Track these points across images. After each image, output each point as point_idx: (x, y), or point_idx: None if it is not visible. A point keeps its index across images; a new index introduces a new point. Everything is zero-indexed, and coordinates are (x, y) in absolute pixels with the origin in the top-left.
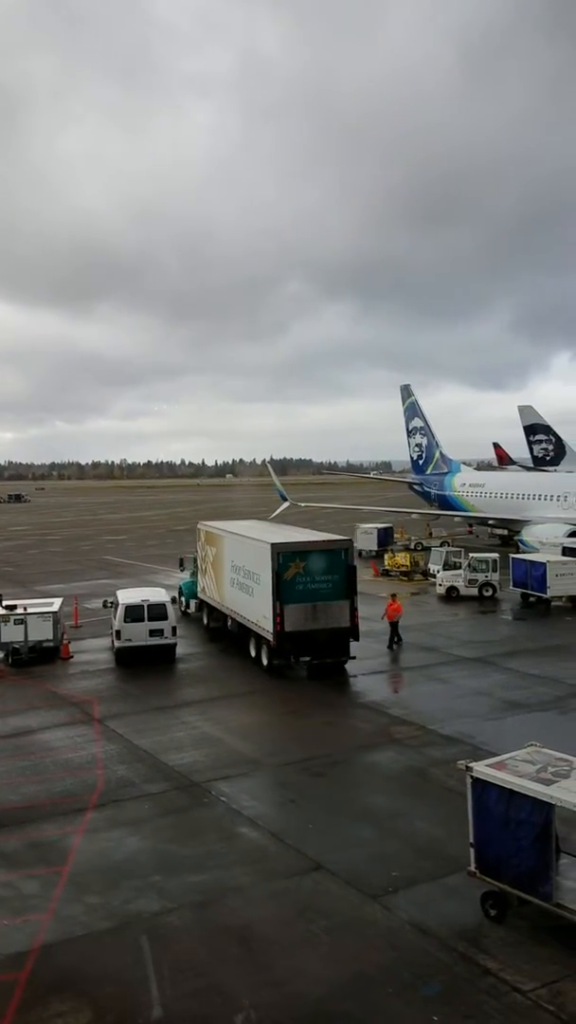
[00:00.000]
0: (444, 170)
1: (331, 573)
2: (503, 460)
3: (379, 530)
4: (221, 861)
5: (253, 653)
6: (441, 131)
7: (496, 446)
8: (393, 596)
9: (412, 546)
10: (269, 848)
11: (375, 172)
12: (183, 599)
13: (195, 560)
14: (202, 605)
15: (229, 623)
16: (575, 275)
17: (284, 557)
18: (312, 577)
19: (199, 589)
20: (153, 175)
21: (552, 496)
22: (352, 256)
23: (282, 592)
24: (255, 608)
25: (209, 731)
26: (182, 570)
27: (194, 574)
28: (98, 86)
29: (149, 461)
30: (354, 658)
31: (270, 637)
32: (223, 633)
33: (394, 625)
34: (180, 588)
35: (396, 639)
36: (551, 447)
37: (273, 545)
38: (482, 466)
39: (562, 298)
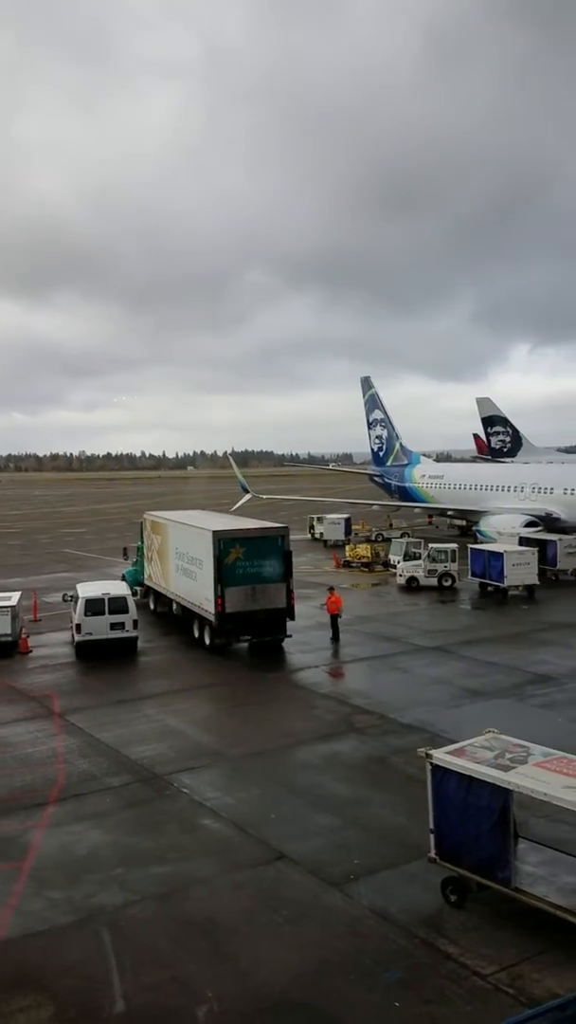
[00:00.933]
0: (410, 161)
1: (269, 558)
2: (482, 451)
3: (346, 520)
4: (183, 853)
5: (196, 634)
6: (407, 122)
7: (476, 437)
8: (331, 589)
9: (373, 537)
10: (232, 839)
11: (340, 162)
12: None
13: (139, 549)
14: (148, 592)
15: (174, 607)
16: (535, 268)
17: (225, 543)
18: (251, 562)
19: (145, 576)
20: (114, 161)
21: (509, 487)
22: (316, 246)
23: (223, 576)
24: (198, 592)
25: (171, 723)
26: (126, 559)
27: (135, 563)
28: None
29: (109, 453)
30: (290, 636)
31: (212, 618)
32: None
33: (334, 618)
34: (123, 576)
35: (336, 633)
36: (508, 439)
37: (215, 532)
38: (441, 458)
39: (522, 291)
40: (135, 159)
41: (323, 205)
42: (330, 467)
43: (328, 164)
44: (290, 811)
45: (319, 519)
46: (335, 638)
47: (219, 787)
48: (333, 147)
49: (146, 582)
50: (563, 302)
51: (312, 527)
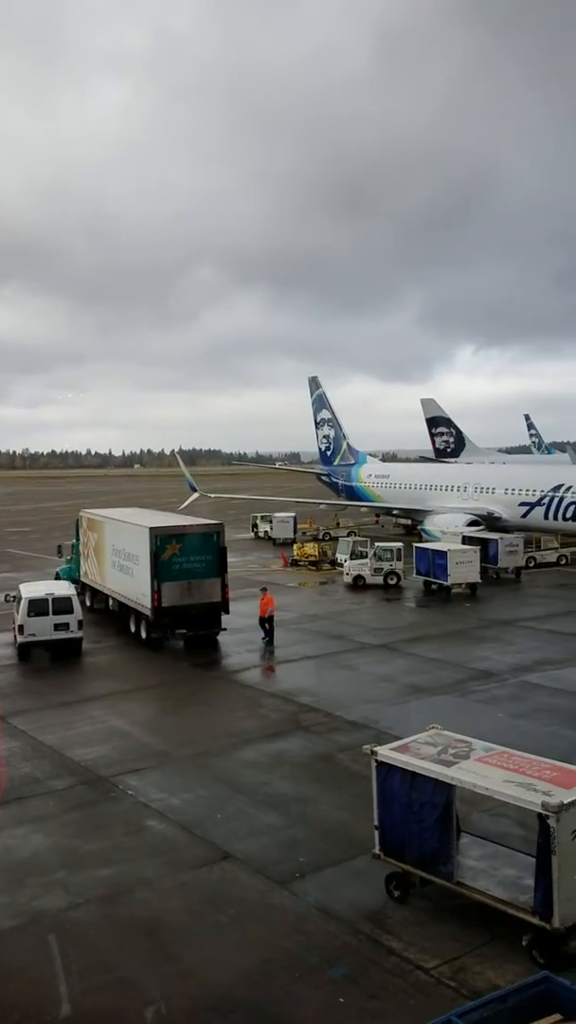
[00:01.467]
0: (360, 160)
1: (204, 554)
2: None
3: (293, 519)
4: (129, 855)
5: (133, 628)
6: (358, 120)
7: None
8: (264, 590)
9: (321, 536)
10: (177, 839)
11: (289, 160)
12: None
13: (74, 547)
14: (84, 588)
15: (110, 603)
16: (480, 271)
17: (161, 540)
18: (187, 558)
19: (81, 573)
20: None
21: (453, 487)
22: (264, 244)
23: (160, 571)
24: (135, 587)
25: (116, 725)
26: (60, 556)
27: (69, 560)
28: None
29: (53, 451)
30: (225, 630)
31: (149, 613)
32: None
33: (266, 620)
34: (57, 574)
35: (270, 634)
36: (451, 439)
37: (151, 529)
38: (387, 457)
39: (467, 293)
40: (82, 152)
41: (271, 203)
42: (276, 466)
43: (276, 161)
44: (236, 811)
45: (263, 518)
46: (269, 640)
47: (164, 788)
48: (282, 144)
49: (82, 579)
50: (507, 304)
51: (255, 526)
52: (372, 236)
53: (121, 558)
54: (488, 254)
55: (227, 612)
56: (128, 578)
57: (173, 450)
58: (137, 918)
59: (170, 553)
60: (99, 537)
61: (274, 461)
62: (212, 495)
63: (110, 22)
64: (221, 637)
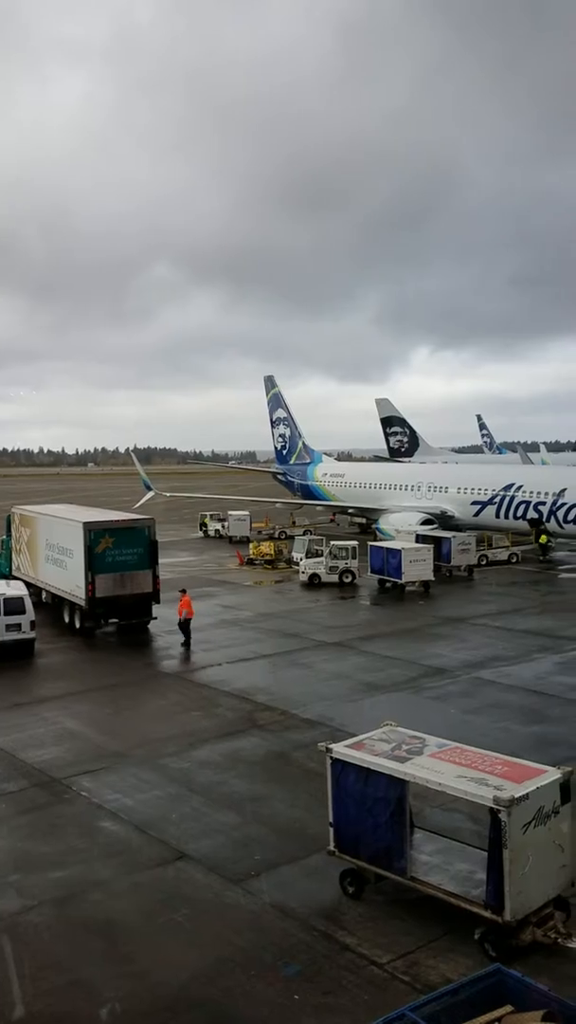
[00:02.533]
0: (320, 158)
1: (136, 547)
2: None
3: (250, 517)
4: (82, 856)
5: (67, 619)
6: (320, 117)
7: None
8: (183, 592)
9: (276, 535)
10: (132, 840)
11: (250, 155)
12: None
13: (4, 543)
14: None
15: (44, 596)
16: (439, 272)
17: (95, 534)
18: (120, 550)
19: (13, 568)
20: (14, 144)
21: (406, 486)
22: (224, 241)
23: (94, 563)
24: (69, 579)
25: (71, 726)
26: None
27: None
28: None
29: (5, 449)
30: (155, 619)
31: (83, 603)
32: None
33: (184, 623)
34: None
35: (188, 637)
36: (406, 439)
37: (85, 524)
38: (343, 457)
39: (425, 294)
40: (37, 145)
41: (230, 199)
42: (229, 465)
43: (236, 157)
44: (191, 810)
45: (212, 516)
46: (186, 643)
47: (119, 789)
48: (242, 140)
49: (15, 573)
50: (463, 306)
51: (204, 524)
52: (332, 235)
53: (55, 552)
54: (446, 255)
55: (158, 602)
56: (62, 571)
57: (128, 448)
58: (91, 919)
59: (103, 546)
60: (32, 533)
61: (229, 460)
62: (167, 494)
63: (69, 11)
64: (177, 637)
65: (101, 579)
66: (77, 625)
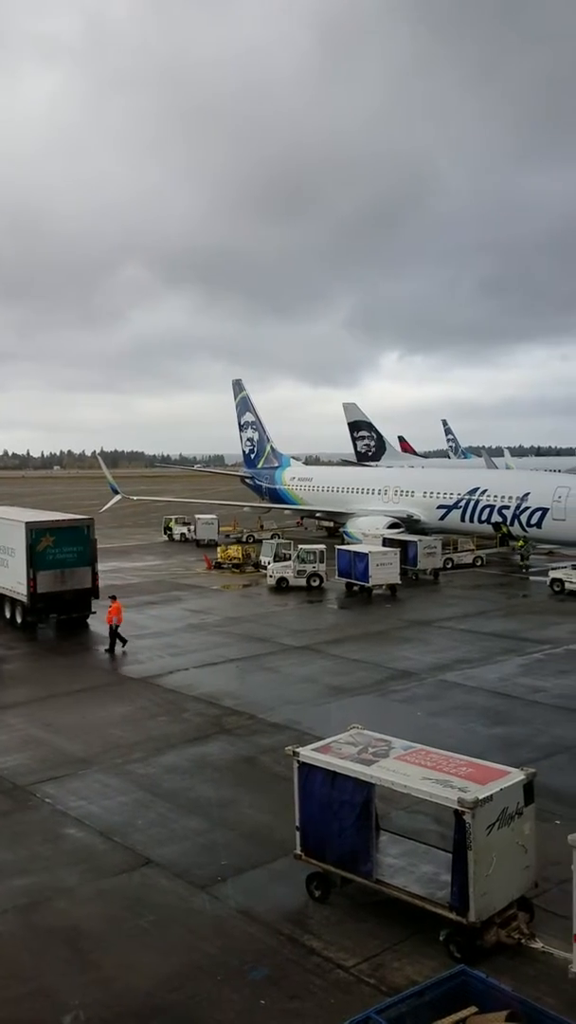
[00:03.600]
0: (294, 160)
1: (76, 545)
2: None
3: (217, 520)
4: (47, 863)
5: (8, 615)
6: (294, 119)
7: (401, 440)
8: (113, 598)
9: (244, 539)
10: (97, 847)
11: (224, 157)
12: None
13: None
14: None
15: None
16: (408, 278)
17: (37, 533)
18: (60, 549)
19: None
20: None
21: (373, 490)
22: (196, 242)
23: (35, 561)
24: (11, 576)
25: (34, 733)
26: None
27: None
28: None
29: None
30: (95, 613)
31: (25, 599)
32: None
33: (113, 628)
34: None
35: (112, 644)
36: (373, 443)
37: (27, 523)
38: (310, 461)
39: (396, 299)
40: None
41: (203, 200)
42: (197, 468)
43: (210, 159)
44: (157, 816)
45: (177, 520)
46: (111, 649)
47: (84, 796)
48: (216, 140)
49: None
50: (433, 311)
51: (169, 528)
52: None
53: None
54: (418, 260)
55: (96, 597)
56: (5, 569)
57: (95, 452)
58: (56, 927)
59: (44, 545)
60: None
61: (197, 463)
62: (135, 497)
63: (42, 7)
64: (144, 642)
65: (42, 576)
66: (19, 620)
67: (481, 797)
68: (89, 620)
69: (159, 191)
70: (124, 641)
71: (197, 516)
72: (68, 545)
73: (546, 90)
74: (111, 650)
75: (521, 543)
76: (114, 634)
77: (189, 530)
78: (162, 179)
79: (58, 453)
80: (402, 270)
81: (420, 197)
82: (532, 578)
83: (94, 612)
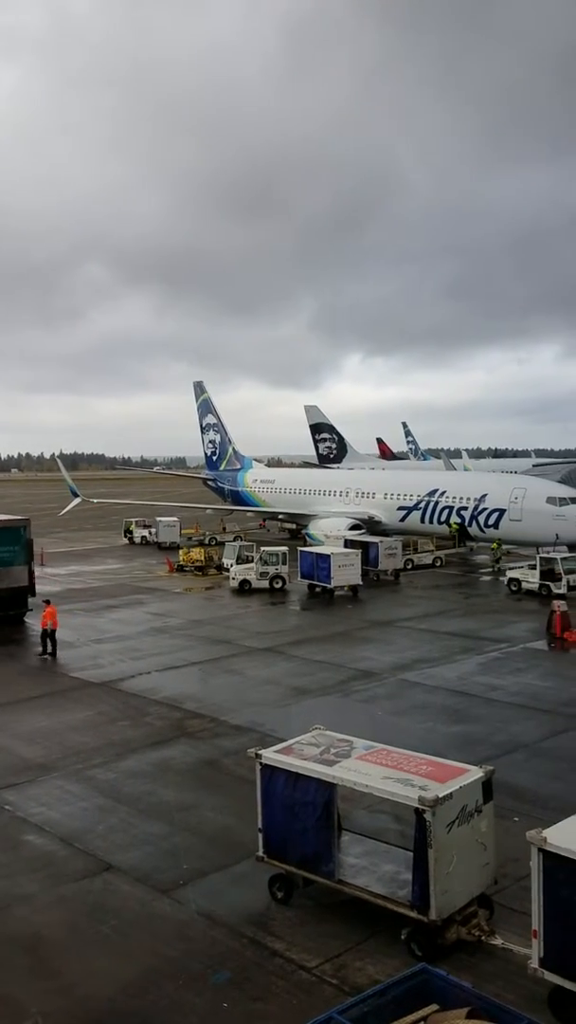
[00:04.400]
0: (260, 161)
1: (12, 544)
2: (385, 455)
3: (180, 523)
4: (6, 871)
5: None
6: (259, 119)
7: (380, 442)
8: (47, 602)
9: (206, 541)
10: (57, 853)
11: (188, 156)
12: None
13: None
14: None
15: None
16: (372, 280)
17: None
18: None
19: None
20: None
21: (335, 492)
22: (158, 242)
23: None
24: None
25: None
26: None
27: None
28: None
29: None
30: (31, 610)
31: None
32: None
33: (48, 633)
34: None
35: (48, 649)
36: (334, 445)
37: None
38: (273, 463)
39: (359, 301)
40: None
41: (166, 199)
42: (157, 471)
43: (174, 158)
44: (119, 821)
45: (138, 523)
46: (52, 653)
47: (44, 802)
48: (180, 139)
49: None
50: (396, 313)
51: (130, 531)
52: (269, 238)
53: None
54: (382, 262)
55: (33, 595)
56: None
57: (54, 454)
58: (16, 934)
59: None
60: None
61: (155, 467)
62: (95, 500)
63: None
64: (105, 646)
65: None
66: None
67: (441, 795)
68: (27, 619)
69: (122, 189)
70: (54, 651)
71: (159, 519)
72: (5, 544)
73: (509, 95)
74: (44, 654)
75: (496, 545)
76: (46, 637)
77: (150, 533)
78: (125, 178)
79: (16, 456)
80: (366, 272)
81: (384, 199)
82: (488, 578)
83: (31, 610)
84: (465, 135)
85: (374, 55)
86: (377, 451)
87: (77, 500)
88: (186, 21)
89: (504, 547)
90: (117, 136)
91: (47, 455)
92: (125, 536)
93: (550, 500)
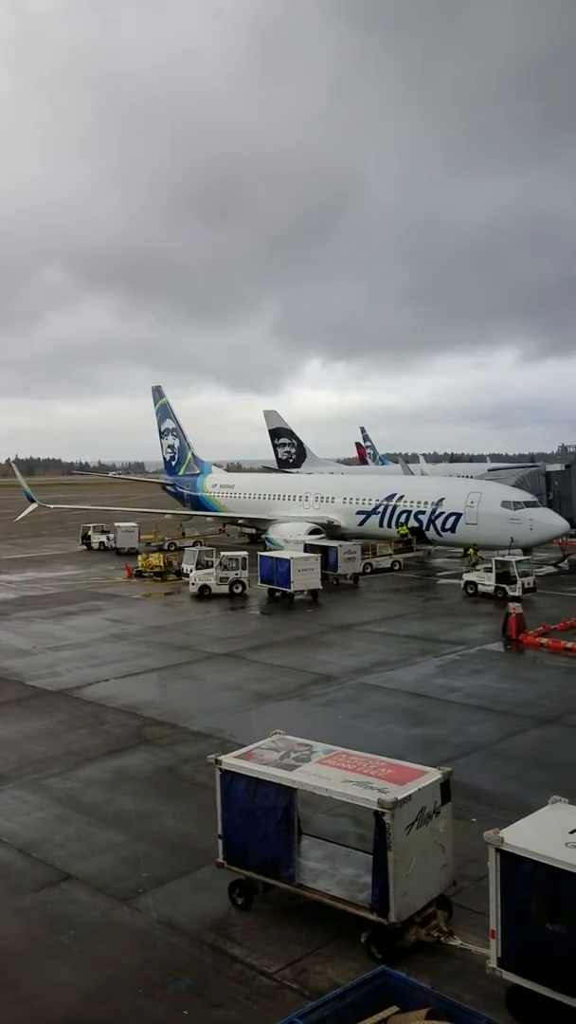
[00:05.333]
0: (224, 164)
1: None
2: (363, 459)
3: (138, 528)
4: None
5: None
6: (226, 123)
7: (358, 446)
8: None
9: (165, 546)
10: (14, 864)
11: (152, 158)
12: None
13: None
14: None
15: None
16: (335, 286)
17: None
18: None
19: None
20: None
21: (295, 496)
22: (120, 246)
23: None
24: None
25: None
26: None
27: None
28: None
29: None
30: None
31: None
32: None
33: None
34: None
35: None
36: (293, 450)
37: None
38: (232, 467)
39: (321, 306)
40: None
41: (129, 203)
42: (114, 475)
43: (137, 160)
44: (77, 830)
45: (95, 528)
46: None
47: (0, 813)
48: (144, 142)
49: None
50: (356, 319)
51: (88, 537)
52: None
53: None
54: (344, 268)
55: None
56: None
57: (9, 459)
58: None
59: None
60: None
61: (110, 472)
62: (51, 506)
63: None
64: (63, 654)
65: None
66: None
67: (400, 797)
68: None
69: (84, 193)
70: None
71: (117, 524)
72: None
73: (473, 103)
74: None
75: (472, 550)
76: None
77: (109, 538)
78: (88, 181)
79: None
80: (329, 277)
81: (348, 205)
82: (445, 581)
83: None
84: (429, 143)
85: (341, 61)
86: (356, 454)
87: (33, 505)
88: (154, 25)
89: (479, 553)
90: (81, 140)
91: (2, 460)
92: (83, 542)
93: (505, 504)
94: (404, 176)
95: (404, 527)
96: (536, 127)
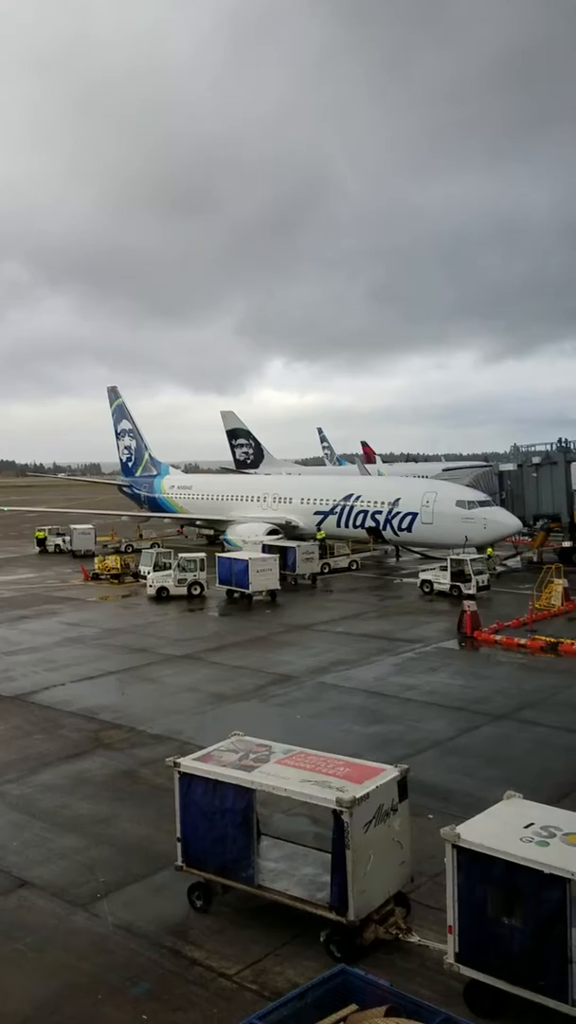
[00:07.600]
0: (191, 158)
1: None
2: (370, 458)
3: (95, 531)
4: None
5: None
6: (193, 114)
7: (364, 445)
8: None
9: (122, 548)
10: None
11: (115, 150)
12: None
13: None
14: None
15: None
16: (301, 284)
17: None
18: None
19: None
20: None
21: (252, 497)
22: (81, 241)
23: None
24: None
25: None
26: None
27: None
28: None
29: None
30: None
31: None
32: None
33: None
34: None
35: None
36: (251, 451)
37: None
38: (190, 468)
39: (285, 306)
40: None
41: (90, 196)
42: (59, 477)
43: (98, 151)
44: (33, 836)
45: (51, 531)
46: None
47: None
48: (106, 134)
49: None
50: (319, 318)
51: (42, 539)
52: (198, 239)
53: None
54: (311, 266)
55: None
56: None
57: None
58: None
59: None
60: None
61: (59, 473)
62: (5, 508)
63: None
64: (18, 658)
65: None
66: None
67: (358, 796)
68: None
69: (41, 185)
70: None
71: (73, 526)
72: None
73: (446, 98)
74: None
75: (490, 552)
76: None
77: (64, 541)
78: (45, 172)
79: None
80: (295, 276)
81: (318, 201)
82: (401, 580)
83: None
84: (401, 138)
85: (314, 49)
86: (361, 452)
87: None
88: (115, 7)
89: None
90: (37, 128)
91: None
92: (38, 545)
93: (459, 503)
94: (376, 172)
95: (321, 533)
96: (508, 125)
